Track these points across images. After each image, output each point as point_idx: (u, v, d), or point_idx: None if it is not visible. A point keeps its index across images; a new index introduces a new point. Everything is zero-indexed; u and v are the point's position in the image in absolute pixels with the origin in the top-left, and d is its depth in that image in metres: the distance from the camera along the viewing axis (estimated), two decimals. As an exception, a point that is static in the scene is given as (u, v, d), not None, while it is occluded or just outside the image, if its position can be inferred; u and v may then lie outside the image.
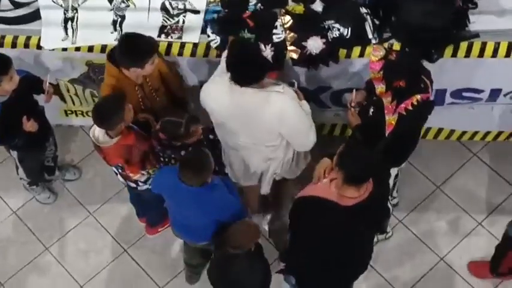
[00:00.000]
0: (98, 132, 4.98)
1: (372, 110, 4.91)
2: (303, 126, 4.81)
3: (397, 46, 5.17)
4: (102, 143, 4.97)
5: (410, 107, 4.67)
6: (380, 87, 4.76)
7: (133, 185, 5.35)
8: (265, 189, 5.41)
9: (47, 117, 5.63)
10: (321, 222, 4.40)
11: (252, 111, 4.70)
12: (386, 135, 4.76)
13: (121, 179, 5.36)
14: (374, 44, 5.17)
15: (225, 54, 4.94)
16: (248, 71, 4.63)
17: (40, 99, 5.43)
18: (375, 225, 4.72)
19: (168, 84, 5.29)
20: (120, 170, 5.21)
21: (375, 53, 4.84)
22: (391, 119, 4.73)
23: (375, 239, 5.84)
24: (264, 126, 4.77)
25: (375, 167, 4.31)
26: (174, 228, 5.31)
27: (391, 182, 5.31)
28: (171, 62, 5.33)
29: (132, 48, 4.87)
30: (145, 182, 5.30)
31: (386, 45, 5.15)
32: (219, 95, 4.77)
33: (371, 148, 4.80)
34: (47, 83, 5.24)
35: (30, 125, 5.24)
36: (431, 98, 4.83)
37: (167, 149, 5.04)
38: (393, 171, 5.26)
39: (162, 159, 5.12)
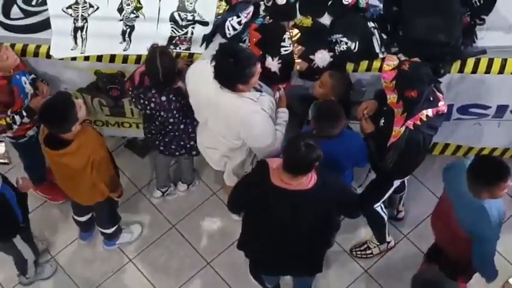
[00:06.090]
0: None
1: (382, 121, 4.93)
2: (263, 139, 4.85)
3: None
4: None
5: (418, 122, 4.69)
6: (392, 97, 4.77)
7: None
8: (226, 179, 5.44)
9: None
10: (252, 189, 4.61)
11: (221, 109, 4.79)
12: (388, 144, 4.78)
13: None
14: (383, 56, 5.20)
15: None
16: (226, 77, 4.66)
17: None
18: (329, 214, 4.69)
19: None
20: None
21: (388, 63, 4.87)
22: (398, 130, 4.74)
23: (377, 250, 5.86)
24: (228, 126, 4.87)
25: (309, 164, 4.36)
26: None
27: (388, 192, 5.37)
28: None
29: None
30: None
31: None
32: (202, 81, 4.82)
33: (380, 157, 4.81)
34: None
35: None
36: (445, 110, 4.83)
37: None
38: (396, 183, 5.28)
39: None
